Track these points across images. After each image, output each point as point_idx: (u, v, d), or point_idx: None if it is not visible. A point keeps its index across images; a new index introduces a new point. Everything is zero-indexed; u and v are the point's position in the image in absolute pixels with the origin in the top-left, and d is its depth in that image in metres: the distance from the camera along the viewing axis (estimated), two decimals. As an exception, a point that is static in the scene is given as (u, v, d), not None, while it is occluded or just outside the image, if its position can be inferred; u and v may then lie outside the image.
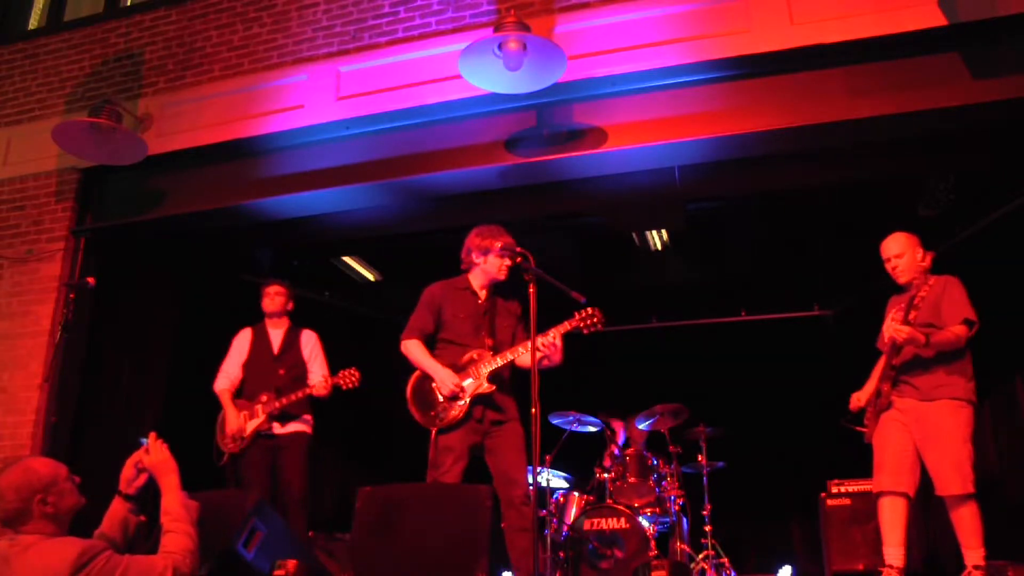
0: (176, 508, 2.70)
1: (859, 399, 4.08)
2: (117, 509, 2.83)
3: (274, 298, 5.02)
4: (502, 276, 4.03)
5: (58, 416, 5.16)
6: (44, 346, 5.28)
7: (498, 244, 3.96)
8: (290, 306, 5.10)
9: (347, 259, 7.06)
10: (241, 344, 5.03)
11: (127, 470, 2.86)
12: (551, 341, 3.80)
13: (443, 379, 3.87)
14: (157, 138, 5.37)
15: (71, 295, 4.68)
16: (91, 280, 4.77)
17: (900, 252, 3.96)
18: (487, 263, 4.02)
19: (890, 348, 3.86)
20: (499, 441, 3.86)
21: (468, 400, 3.84)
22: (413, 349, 4.01)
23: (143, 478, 2.85)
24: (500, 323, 4.07)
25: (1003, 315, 4.52)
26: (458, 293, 4.08)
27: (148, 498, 2.90)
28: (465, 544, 3.10)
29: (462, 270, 4.13)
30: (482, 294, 4.08)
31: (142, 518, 2.87)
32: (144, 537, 2.88)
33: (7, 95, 6.11)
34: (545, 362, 3.82)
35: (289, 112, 5.18)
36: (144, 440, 2.87)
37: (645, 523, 5.05)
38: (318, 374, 4.88)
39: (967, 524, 3.66)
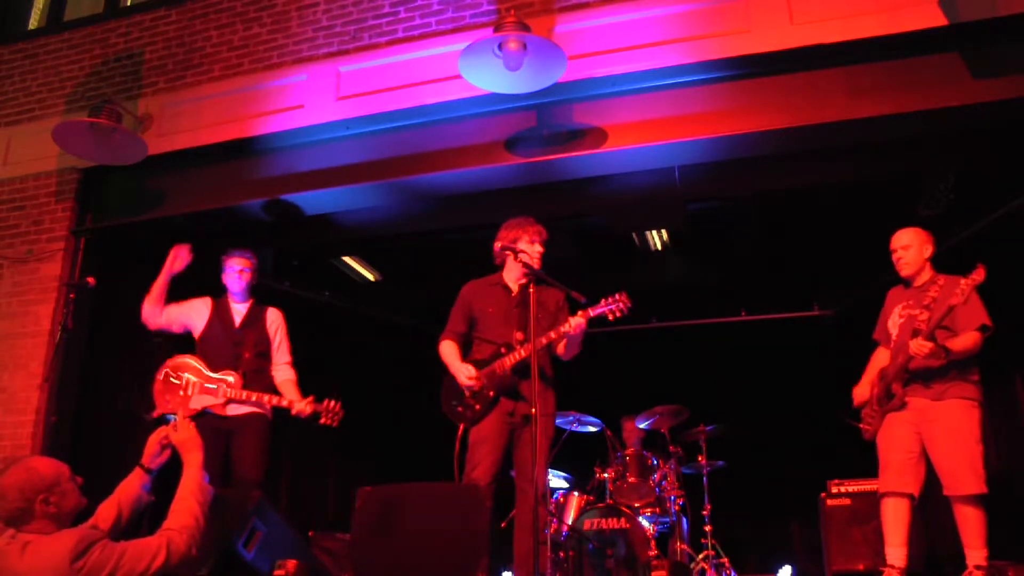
0: (191, 486, 2.74)
1: (862, 395, 4.07)
2: (134, 481, 2.88)
3: (240, 274, 4.51)
4: (536, 266, 3.89)
5: (58, 416, 5.16)
6: (44, 346, 5.28)
7: (527, 232, 3.95)
8: (254, 281, 4.59)
9: (347, 259, 7.06)
10: (199, 306, 4.57)
11: (151, 445, 2.91)
12: (578, 322, 3.76)
13: (458, 372, 3.88)
14: (157, 138, 5.37)
15: (71, 295, 4.68)
16: (91, 280, 4.75)
17: (907, 244, 3.98)
18: (519, 254, 3.91)
19: (904, 355, 3.83)
20: (525, 437, 3.80)
21: (492, 394, 3.82)
22: (444, 349, 4.01)
23: (166, 454, 2.91)
24: (533, 316, 3.99)
25: (1003, 315, 4.51)
26: (489, 289, 4.07)
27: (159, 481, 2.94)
28: (465, 544, 3.10)
29: (496, 265, 4.12)
30: (515, 287, 4.05)
31: (152, 498, 2.91)
32: (149, 522, 2.91)
33: (7, 95, 6.11)
34: (561, 349, 3.88)
35: (289, 112, 5.18)
36: (171, 416, 2.91)
37: (645, 523, 5.05)
38: (282, 362, 4.52)
39: (972, 524, 3.66)
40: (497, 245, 4.00)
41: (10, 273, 5.59)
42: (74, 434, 5.22)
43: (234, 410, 4.34)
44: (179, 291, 4.64)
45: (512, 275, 4.07)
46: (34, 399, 5.16)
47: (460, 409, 3.88)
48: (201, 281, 4.68)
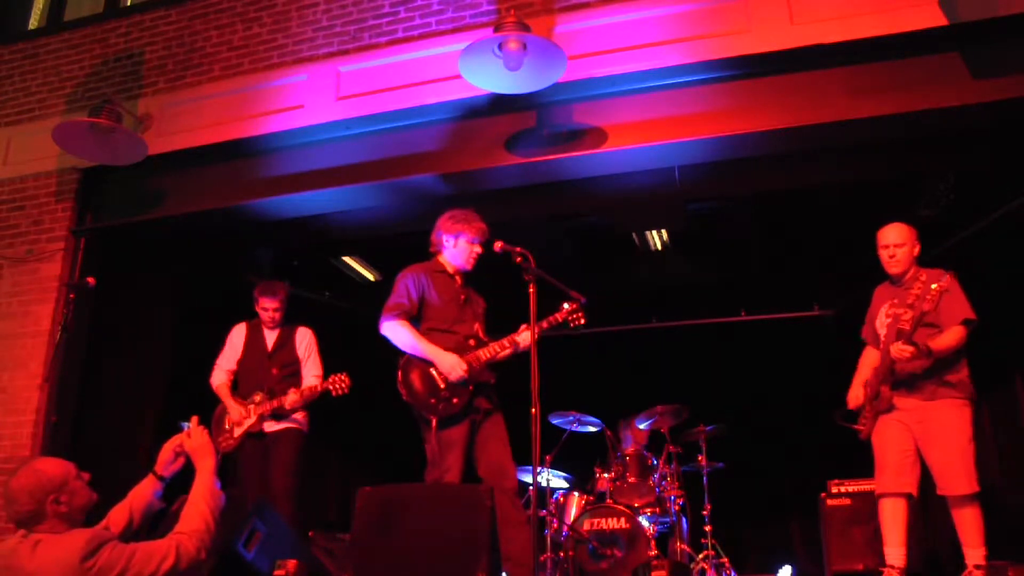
0: (203, 491, 2.75)
1: (857, 397, 4.07)
2: (146, 487, 2.89)
3: (272, 314, 4.88)
4: (469, 266, 3.94)
5: (58, 416, 5.16)
6: (44, 346, 5.28)
7: (470, 230, 3.88)
8: (284, 314, 4.97)
9: (347, 259, 7.06)
10: (236, 340, 4.97)
11: (165, 453, 2.93)
12: (526, 338, 3.79)
13: (451, 365, 3.70)
14: (157, 138, 5.37)
15: (71, 295, 4.69)
16: (91, 280, 4.76)
17: (901, 242, 3.96)
18: (456, 247, 3.93)
19: (890, 356, 3.82)
20: (489, 432, 3.78)
21: (472, 388, 3.75)
22: (403, 331, 3.79)
23: (180, 462, 2.93)
24: (477, 311, 4.01)
25: (1003, 315, 4.51)
26: (438, 276, 3.96)
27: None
28: (465, 544, 3.09)
29: (431, 252, 4.06)
30: (458, 279, 3.99)
31: (163, 505, 2.92)
32: (152, 524, 2.92)
33: (7, 95, 6.11)
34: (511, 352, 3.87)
35: (289, 112, 5.18)
36: (185, 424, 2.92)
37: (645, 523, 5.05)
38: (311, 375, 4.83)
39: (969, 523, 3.66)
40: (435, 235, 4.00)
41: (10, 273, 5.59)
42: (74, 434, 5.22)
43: (271, 426, 4.72)
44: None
45: (448, 266, 3.98)
46: (34, 399, 5.16)
47: (432, 401, 3.71)
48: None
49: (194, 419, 2.93)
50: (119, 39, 5.92)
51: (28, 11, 6.65)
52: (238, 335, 4.99)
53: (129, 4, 6.21)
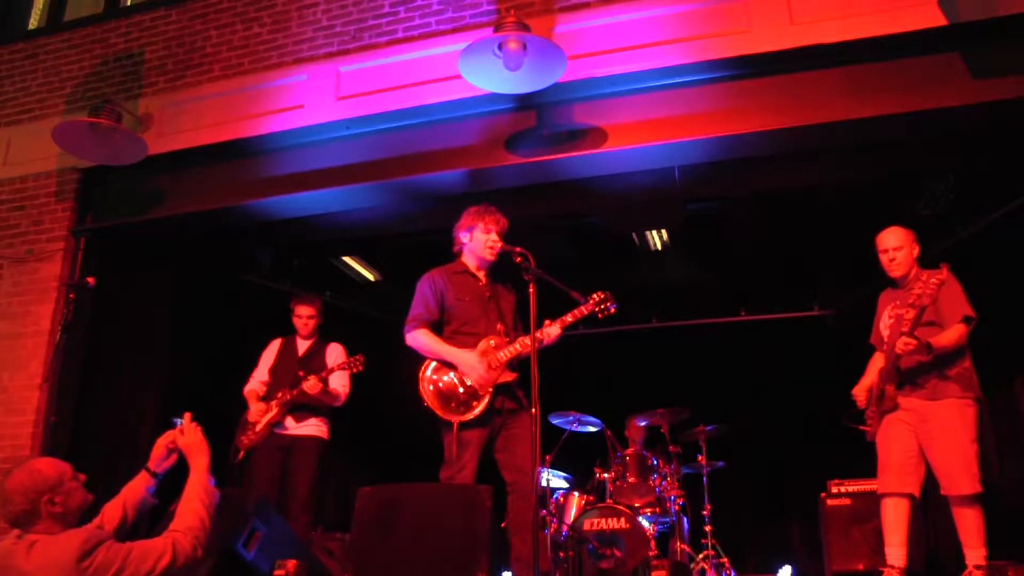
0: (197, 489, 2.74)
1: (862, 396, 4.06)
2: (139, 484, 2.89)
3: (307, 321, 5.04)
4: (489, 256, 3.88)
5: (58, 416, 5.16)
6: (44, 346, 5.28)
7: (482, 220, 3.87)
8: (320, 324, 5.13)
9: (347, 259, 7.06)
10: (270, 351, 5.11)
11: (158, 449, 2.92)
12: (556, 333, 3.75)
13: (471, 365, 3.72)
14: (157, 138, 5.37)
15: (71, 295, 4.69)
16: (91, 280, 4.76)
17: (899, 245, 3.96)
18: (472, 241, 3.92)
19: (893, 354, 3.83)
20: (515, 431, 3.75)
21: (491, 390, 3.73)
22: (423, 339, 3.81)
23: (173, 458, 2.92)
24: (504, 307, 3.96)
25: (1003, 315, 4.51)
26: (457, 277, 3.94)
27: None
28: (465, 544, 3.10)
29: (454, 253, 4.05)
30: (481, 276, 3.97)
31: (156, 501, 2.92)
32: (151, 523, 2.92)
33: (7, 95, 6.10)
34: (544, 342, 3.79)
35: (289, 112, 5.18)
36: (178, 420, 2.91)
37: (645, 523, 5.05)
38: (338, 384, 4.88)
39: (970, 524, 3.66)
40: (455, 233, 3.99)
41: (10, 273, 5.59)
42: (74, 434, 5.22)
43: (294, 427, 4.80)
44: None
45: (472, 263, 3.97)
46: (34, 399, 5.16)
47: (453, 404, 3.72)
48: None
49: (187, 416, 2.92)
50: (119, 39, 5.92)
51: (28, 11, 6.65)
52: (272, 347, 5.13)
53: (129, 4, 6.21)
